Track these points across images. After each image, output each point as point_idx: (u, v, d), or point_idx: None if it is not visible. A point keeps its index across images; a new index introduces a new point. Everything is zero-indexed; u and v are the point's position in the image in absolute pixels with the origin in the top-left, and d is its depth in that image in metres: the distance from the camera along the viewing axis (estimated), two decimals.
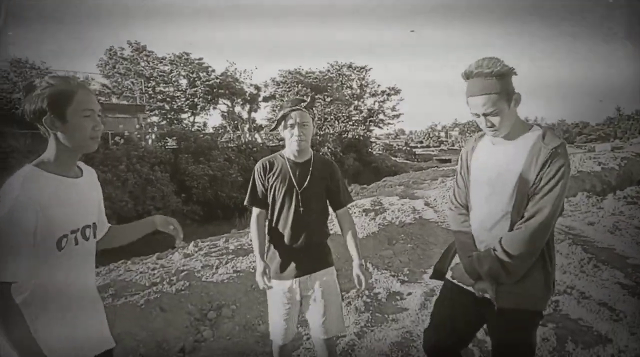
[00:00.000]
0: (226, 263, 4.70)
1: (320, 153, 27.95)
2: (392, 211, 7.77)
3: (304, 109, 2.26)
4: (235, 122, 31.81)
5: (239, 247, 6.07)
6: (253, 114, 33.04)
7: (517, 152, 1.74)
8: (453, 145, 60.44)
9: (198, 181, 19.62)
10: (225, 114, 31.91)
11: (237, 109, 32.04)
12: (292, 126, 2.25)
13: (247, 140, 28.08)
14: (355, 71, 37.39)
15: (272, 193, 2.33)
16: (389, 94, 38.39)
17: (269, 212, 2.37)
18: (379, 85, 38.32)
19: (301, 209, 2.29)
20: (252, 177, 2.39)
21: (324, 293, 2.30)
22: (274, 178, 2.33)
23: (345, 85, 37.25)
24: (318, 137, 29.11)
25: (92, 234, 1.55)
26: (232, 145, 24.88)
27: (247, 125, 32.20)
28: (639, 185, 15.52)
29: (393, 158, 41.32)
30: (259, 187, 2.36)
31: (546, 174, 1.66)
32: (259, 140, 29.94)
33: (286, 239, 2.31)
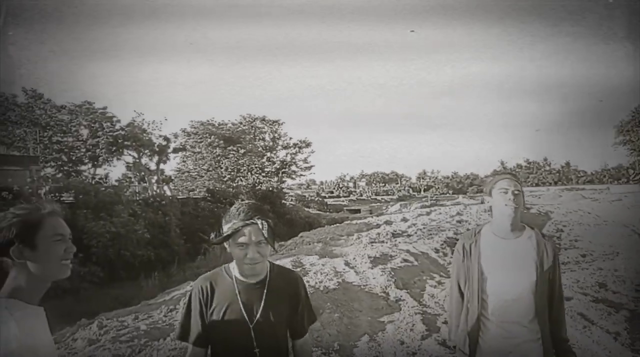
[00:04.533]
0: (139, 352, 4.20)
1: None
2: (315, 274, 7.66)
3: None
4: (142, 173, 30.19)
5: (152, 325, 5.49)
6: (162, 166, 31.73)
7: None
8: (361, 195, 63.10)
9: (98, 238, 17.95)
10: (131, 165, 30.21)
11: (144, 160, 30.58)
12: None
13: (154, 193, 26.65)
14: (267, 124, 37.96)
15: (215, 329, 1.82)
16: (300, 147, 39.32)
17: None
18: (290, 138, 39.23)
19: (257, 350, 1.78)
20: (187, 303, 1.86)
21: None
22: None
23: (257, 138, 37.52)
24: (231, 190, 28.59)
25: None
26: (138, 199, 23.39)
27: (155, 177, 30.71)
28: None
29: (306, 209, 41.76)
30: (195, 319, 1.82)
31: None
32: (168, 192, 28.62)
33: None
